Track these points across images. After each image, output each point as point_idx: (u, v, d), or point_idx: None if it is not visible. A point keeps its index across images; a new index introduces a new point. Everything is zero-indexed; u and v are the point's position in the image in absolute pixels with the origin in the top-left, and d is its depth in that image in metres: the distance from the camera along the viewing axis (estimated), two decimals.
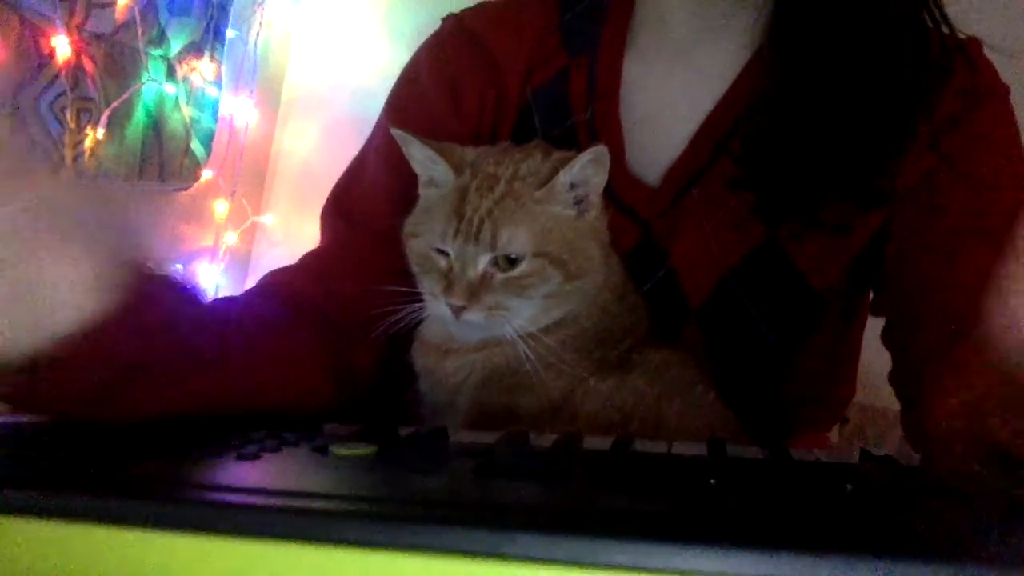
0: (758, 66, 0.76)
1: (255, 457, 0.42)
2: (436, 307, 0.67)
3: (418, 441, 0.50)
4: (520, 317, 0.66)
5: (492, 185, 0.66)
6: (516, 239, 0.65)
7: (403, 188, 0.77)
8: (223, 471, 0.41)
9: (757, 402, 0.74)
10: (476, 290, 0.64)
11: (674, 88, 0.78)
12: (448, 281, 0.65)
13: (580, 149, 0.74)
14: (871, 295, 0.79)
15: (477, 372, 0.69)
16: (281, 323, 0.70)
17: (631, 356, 0.68)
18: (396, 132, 0.68)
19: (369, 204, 0.80)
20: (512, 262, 0.65)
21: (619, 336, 0.68)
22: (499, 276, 0.65)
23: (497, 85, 0.80)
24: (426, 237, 0.68)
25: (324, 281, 0.76)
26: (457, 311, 0.64)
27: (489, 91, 0.80)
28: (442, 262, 0.67)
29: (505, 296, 0.65)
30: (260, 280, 0.78)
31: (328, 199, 0.83)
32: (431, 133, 0.79)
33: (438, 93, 0.80)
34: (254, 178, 2.20)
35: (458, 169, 0.68)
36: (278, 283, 0.76)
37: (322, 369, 0.71)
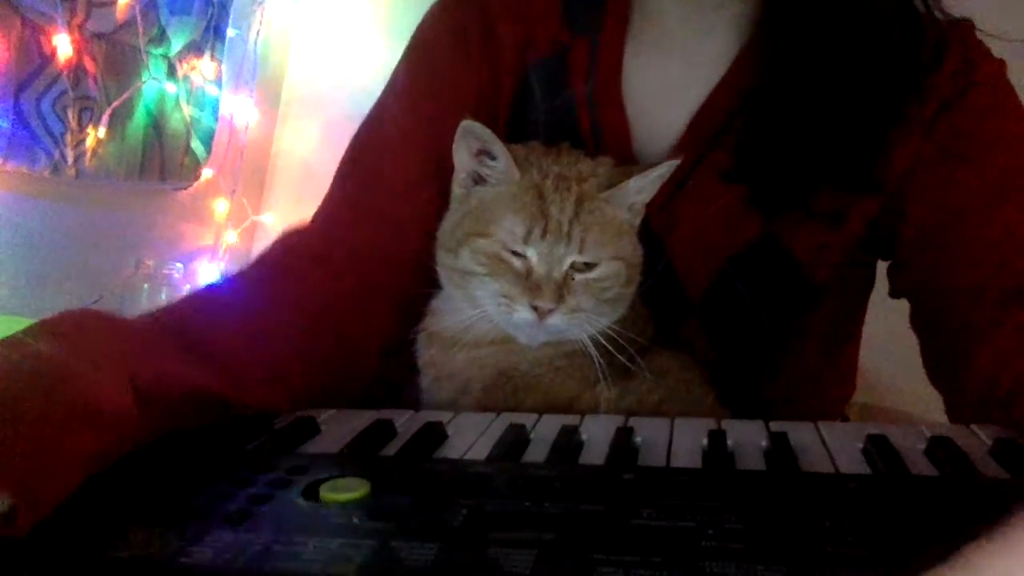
0: (749, 58, 0.76)
1: (243, 519, 0.42)
2: (509, 312, 0.64)
3: (411, 472, 0.49)
4: (595, 320, 0.66)
5: (567, 186, 0.66)
6: (601, 242, 0.65)
7: (424, 146, 0.77)
8: (209, 546, 0.39)
9: (757, 397, 0.75)
10: (562, 292, 0.64)
11: (669, 79, 0.79)
12: (532, 283, 0.64)
13: (580, 124, 0.76)
14: (888, 280, 0.80)
15: (487, 369, 0.69)
16: (298, 291, 0.71)
17: (636, 360, 0.68)
18: (466, 124, 0.66)
19: (388, 159, 0.80)
20: (588, 264, 0.65)
21: (627, 341, 0.68)
22: (579, 278, 0.65)
23: (492, 57, 0.81)
24: (500, 238, 0.65)
25: (341, 239, 0.76)
26: (544, 314, 0.63)
27: (485, 65, 0.81)
28: (517, 264, 0.65)
29: (585, 298, 0.65)
30: (276, 242, 0.78)
31: (346, 153, 0.83)
32: (442, 84, 0.80)
33: (450, 46, 0.81)
34: (254, 177, 2.20)
35: (521, 167, 0.67)
36: (295, 245, 0.76)
37: (337, 333, 0.71)
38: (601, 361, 0.65)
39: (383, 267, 0.76)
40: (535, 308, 0.63)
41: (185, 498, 0.45)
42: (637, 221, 0.71)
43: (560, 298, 0.63)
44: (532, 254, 0.65)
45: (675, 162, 0.67)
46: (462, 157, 0.69)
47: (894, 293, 0.77)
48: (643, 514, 0.40)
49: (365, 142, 0.83)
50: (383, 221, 0.78)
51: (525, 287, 0.64)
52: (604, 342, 0.66)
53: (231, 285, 0.72)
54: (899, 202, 0.73)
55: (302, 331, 0.68)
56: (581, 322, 0.65)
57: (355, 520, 0.41)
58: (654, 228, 0.74)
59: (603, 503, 0.41)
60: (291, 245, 0.76)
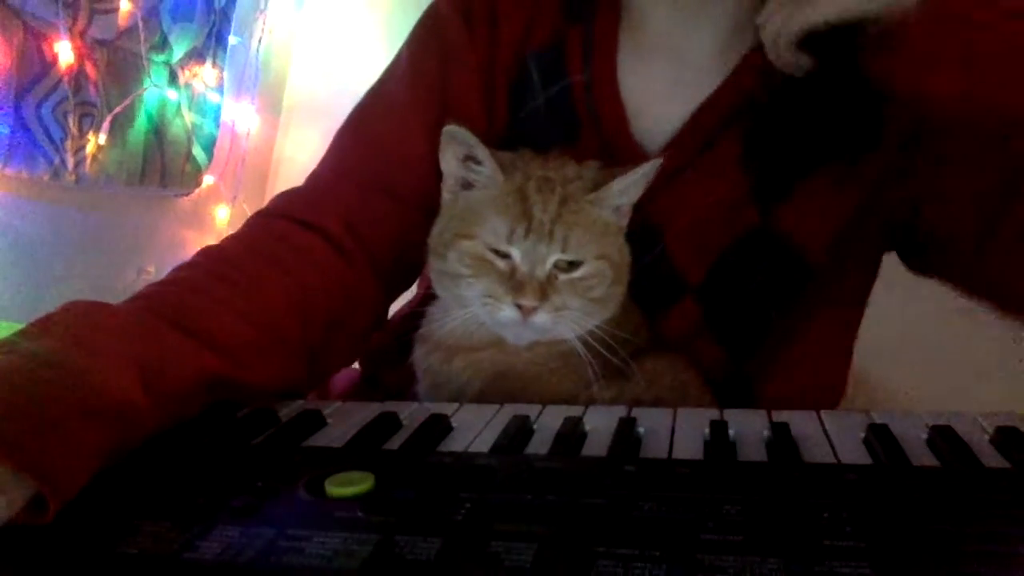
0: (752, 62, 0.76)
1: (249, 514, 0.42)
2: (494, 310, 0.65)
3: (415, 465, 0.49)
4: (582, 319, 0.66)
5: (551, 188, 0.67)
6: (584, 241, 0.66)
7: (426, 117, 0.77)
8: (215, 541, 0.40)
9: (752, 396, 0.74)
10: (545, 290, 0.64)
11: (661, 75, 0.79)
12: (515, 282, 0.64)
13: (578, 114, 0.77)
14: (910, 259, 0.79)
15: (484, 372, 0.69)
16: (297, 253, 0.71)
17: (629, 363, 0.68)
18: (449, 129, 0.67)
19: (390, 128, 0.80)
20: (572, 264, 0.66)
21: (621, 343, 0.68)
22: (563, 277, 0.66)
23: (494, 43, 0.82)
24: (484, 239, 0.66)
25: (334, 205, 0.76)
26: (528, 312, 0.64)
27: (487, 49, 0.82)
28: (501, 264, 0.66)
29: (570, 297, 0.66)
30: (265, 209, 0.78)
31: (345, 122, 0.84)
32: (448, 60, 0.81)
33: (455, 22, 0.82)
34: (255, 184, 2.21)
35: (507, 171, 0.68)
36: (290, 209, 0.76)
37: (329, 300, 0.72)
38: (592, 361, 0.65)
39: (376, 234, 0.77)
40: (519, 306, 0.64)
41: (193, 493, 0.46)
42: (624, 222, 0.72)
43: (544, 296, 0.64)
44: (515, 253, 0.65)
45: (658, 161, 0.68)
46: (449, 163, 0.70)
47: (928, 264, 0.76)
48: (644, 507, 0.40)
49: (366, 112, 0.83)
50: (380, 189, 0.78)
51: (509, 286, 0.65)
52: (593, 342, 0.66)
53: (220, 258, 0.71)
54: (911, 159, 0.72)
55: (296, 303, 0.69)
56: (567, 321, 0.66)
57: (360, 514, 0.41)
58: (652, 214, 0.75)
59: (604, 496, 0.42)
60: (281, 212, 0.76)
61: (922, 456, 0.47)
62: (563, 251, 0.65)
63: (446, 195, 0.72)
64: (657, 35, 0.80)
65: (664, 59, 0.79)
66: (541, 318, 0.64)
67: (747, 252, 0.75)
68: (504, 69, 0.81)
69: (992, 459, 0.46)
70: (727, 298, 0.76)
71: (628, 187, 0.69)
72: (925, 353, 1.51)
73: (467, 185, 0.70)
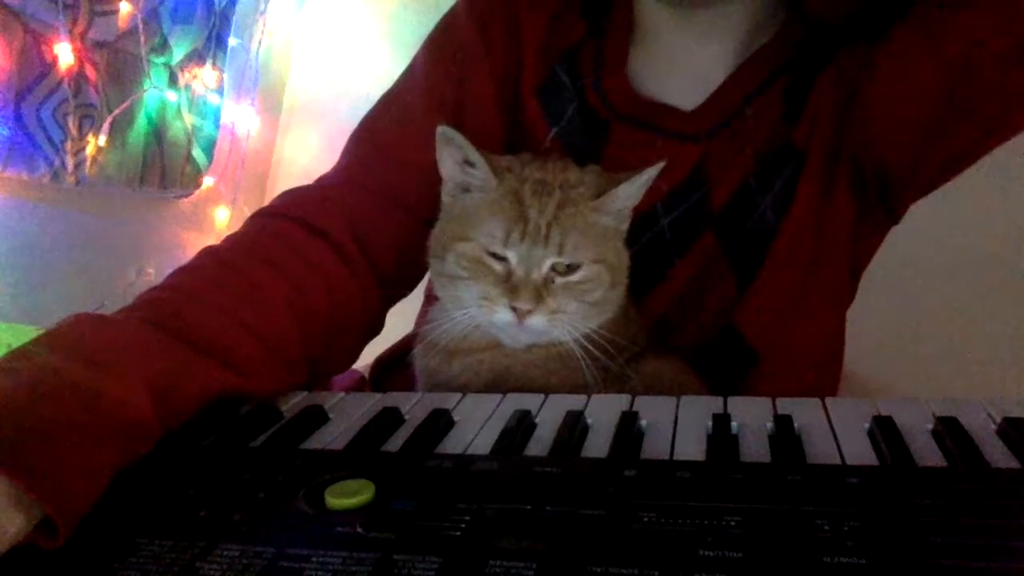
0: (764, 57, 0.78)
1: (249, 530, 0.42)
2: (490, 312, 0.65)
3: (414, 471, 0.49)
4: (578, 323, 0.67)
5: (548, 191, 0.67)
6: (581, 245, 0.66)
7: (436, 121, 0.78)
8: (215, 562, 0.40)
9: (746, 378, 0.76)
10: (541, 293, 0.65)
11: (674, 91, 0.80)
12: (511, 285, 0.65)
13: (583, 111, 0.79)
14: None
15: (483, 374, 0.69)
16: (301, 259, 0.71)
17: (627, 367, 0.69)
18: (442, 130, 0.68)
19: (402, 135, 0.81)
20: (569, 267, 0.66)
21: (621, 347, 0.69)
22: (559, 280, 0.66)
23: (516, 48, 0.82)
24: (481, 241, 0.67)
25: (341, 211, 0.76)
26: (523, 315, 0.64)
27: (507, 55, 0.82)
28: (497, 267, 0.66)
29: (566, 300, 0.66)
30: (276, 204, 0.78)
31: (357, 128, 0.84)
32: (462, 69, 0.81)
33: (472, 32, 0.82)
34: (255, 185, 2.20)
35: (499, 175, 0.68)
36: (296, 210, 0.76)
37: (330, 306, 0.72)
38: (590, 364, 0.65)
39: (381, 242, 0.77)
40: (514, 309, 0.64)
41: (193, 506, 0.45)
42: (624, 226, 0.72)
43: (539, 299, 0.64)
44: (512, 256, 0.66)
45: (661, 164, 0.68)
46: (447, 166, 0.70)
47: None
48: (643, 518, 0.40)
49: (379, 118, 0.84)
50: (389, 197, 0.78)
51: (505, 288, 0.65)
52: (590, 345, 0.66)
53: (223, 262, 0.70)
54: None
55: (298, 312, 0.68)
56: (563, 324, 0.66)
57: (359, 530, 0.41)
58: (706, 161, 0.78)
59: (603, 506, 0.42)
60: (286, 213, 0.76)
61: (928, 454, 0.47)
62: (559, 254, 0.65)
63: (445, 198, 0.72)
64: (668, 49, 0.80)
65: (675, 72, 0.80)
66: (536, 321, 0.65)
67: (768, 171, 0.77)
68: (531, 75, 0.82)
69: (999, 455, 0.46)
70: (743, 216, 0.78)
71: (632, 193, 0.69)
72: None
73: (465, 189, 0.70)
